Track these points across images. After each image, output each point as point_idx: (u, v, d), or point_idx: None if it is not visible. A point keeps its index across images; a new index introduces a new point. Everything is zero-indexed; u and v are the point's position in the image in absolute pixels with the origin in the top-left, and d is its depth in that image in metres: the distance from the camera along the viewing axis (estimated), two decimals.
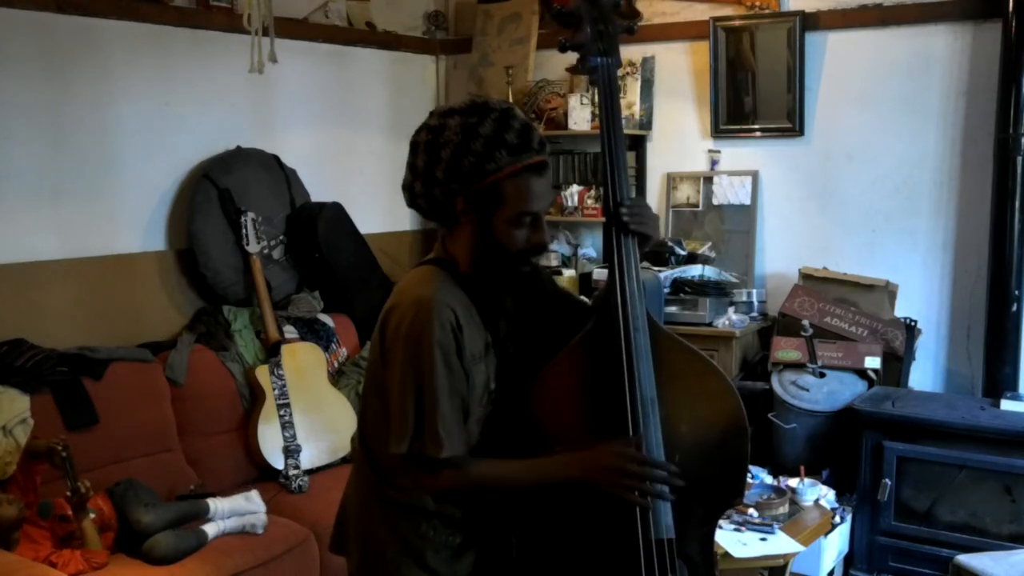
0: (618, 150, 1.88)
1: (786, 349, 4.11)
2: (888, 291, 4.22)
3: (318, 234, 4.21)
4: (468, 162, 1.76)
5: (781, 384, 4.05)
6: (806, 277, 4.38)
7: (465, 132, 1.77)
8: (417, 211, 1.91)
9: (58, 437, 2.99)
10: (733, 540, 3.21)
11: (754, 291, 4.49)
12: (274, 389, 3.80)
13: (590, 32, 1.87)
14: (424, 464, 1.81)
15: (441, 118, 1.81)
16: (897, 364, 4.08)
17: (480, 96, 1.88)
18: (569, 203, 4.83)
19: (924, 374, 4.25)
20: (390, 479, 1.91)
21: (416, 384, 1.78)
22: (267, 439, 3.73)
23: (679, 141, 4.78)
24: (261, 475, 3.74)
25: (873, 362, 4.01)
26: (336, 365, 4.17)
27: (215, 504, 3.23)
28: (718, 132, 4.65)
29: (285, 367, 3.86)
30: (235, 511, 3.25)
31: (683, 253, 4.52)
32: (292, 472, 3.69)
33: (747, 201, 4.61)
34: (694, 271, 4.44)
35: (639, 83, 4.78)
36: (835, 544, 3.65)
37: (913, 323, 4.14)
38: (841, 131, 4.39)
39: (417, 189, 1.84)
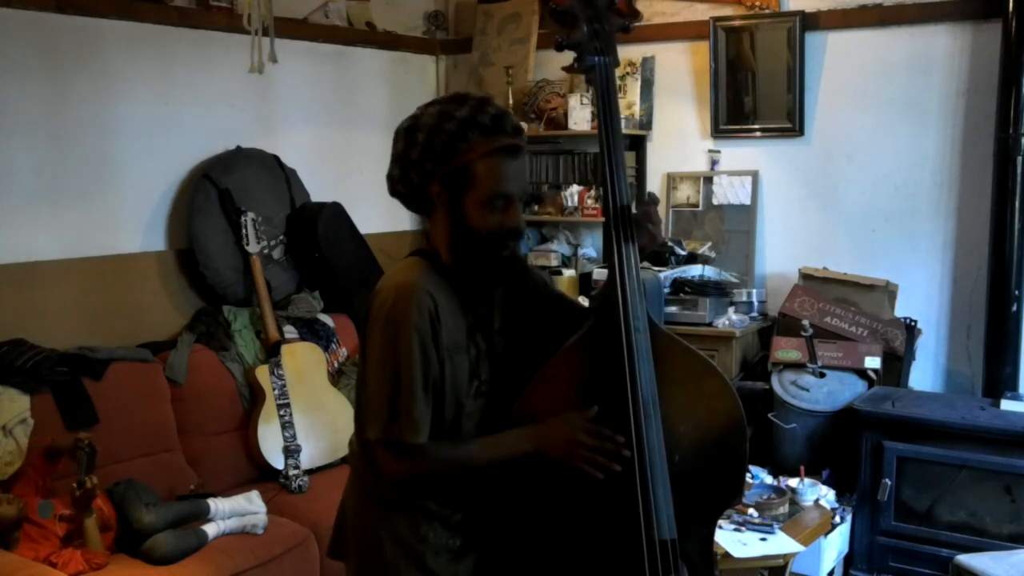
0: (616, 149, 1.88)
1: (786, 349, 4.11)
2: (888, 291, 4.22)
3: (318, 234, 4.21)
4: (440, 141, 1.80)
5: (781, 384, 4.05)
6: (806, 277, 4.38)
7: (440, 116, 1.82)
8: (398, 199, 1.94)
9: (87, 437, 3.01)
10: (733, 540, 3.21)
11: (754, 291, 4.49)
12: (274, 389, 3.80)
13: (586, 31, 1.87)
14: (396, 449, 1.82)
15: (422, 108, 1.87)
16: (897, 364, 4.08)
17: (463, 90, 1.91)
18: (569, 203, 4.83)
19: (924, 374, 4.25)
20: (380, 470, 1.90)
21: (393, 369, 1.79)
22: (267, 439, 3.73)
23: (679, 141, 4.78)
24: (261, 475, 3.74)
25: (873, 362, 4.01)
26: (336, 365, 4.17)
27: (215, 504, 3.23)
28: (718, 132, 4.64)
29: (285, 367, 3.86)
30: (235, 511, 3.24)
31: (683, 253, 4.52)
32: (292, 472, 3.69)
33: (747, 201, 4.61)
34: (694, 271, 4.45)
35: (639, 83, 4.78)
36: (835, 544, 3.65)
37: (913, 323, 4.14)
38: (841, 131, 4.39)
39: (395, 174, 1.88)
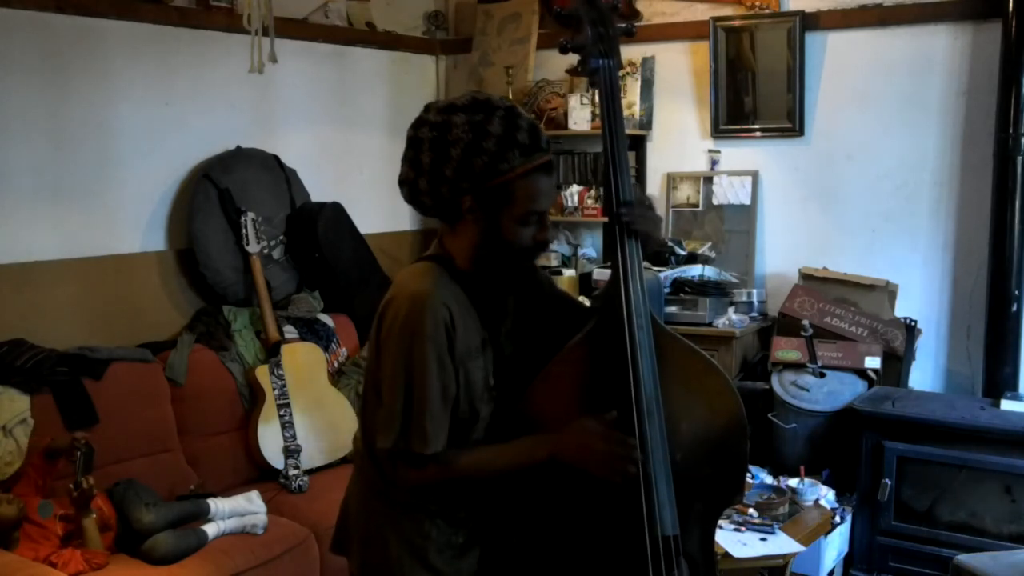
0: (620, 151, 1.88)
1: (786, 349, 4.11)
2: (888, 291, 4.22)
3: (318, 234, 4.21)
4: (481, 161, 1.76)
5: (781, 384, 4.05)
6: (806, 277, 4.38)
7: (475, 130, 1.77)
8: (417, 207, 1.91)
9: (83, 437, 3.01)
10: (733, 540, 3.21)
11: (754, 291, 4.49)
12: (274, 389, 3.80)
13: (590, 34, 1.87)
14: (409, 459, 1.81)
15: (443, 114, 1.81)
16: (897, 364, 4.08)
17: (480, 92, 1.87)
18: (569, 203, 4.83)
19: (924, 374, 4.25)
20: (391, 476, 1.90)
21: (407, 379, 1.79)
22: (267, 439, 3.73)
23: (679, 141, 4.78)
24: (261, 475, 3.74)
25: (873, 362, 4.01)
26: (336, 365, 4.17)
27: (215, 504, 3.24)
28: (718, 132, 4.65)
29: (285, 367, 3.86)
30: (235, 511, 3.25)
31: (683, 253, 4.52)
32: (292, 472, 3.69)
33: (747, 201, 4.61)
34: (694, 271, 4.44)
35: (639, 83, 4.78)
36: (835, 544, 3.65)
37: (913, 323, 4.14)
38: (841, 131, 4.39)
39: (422, 186, 1.83)
